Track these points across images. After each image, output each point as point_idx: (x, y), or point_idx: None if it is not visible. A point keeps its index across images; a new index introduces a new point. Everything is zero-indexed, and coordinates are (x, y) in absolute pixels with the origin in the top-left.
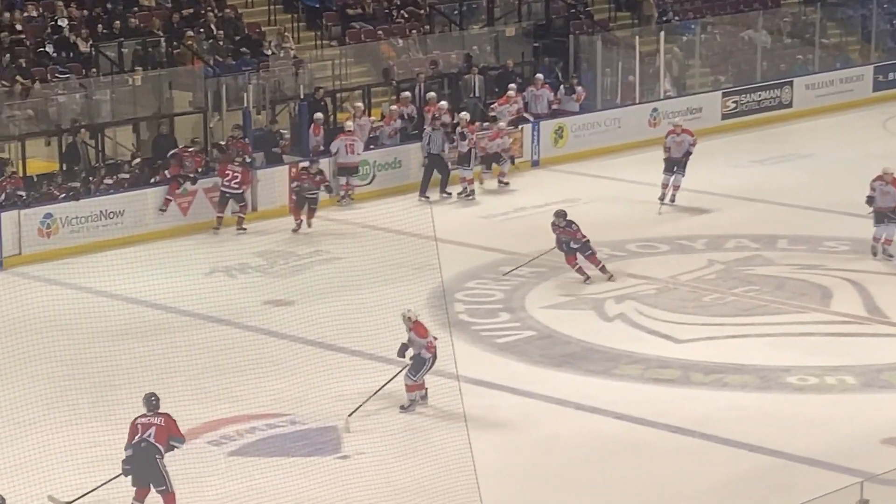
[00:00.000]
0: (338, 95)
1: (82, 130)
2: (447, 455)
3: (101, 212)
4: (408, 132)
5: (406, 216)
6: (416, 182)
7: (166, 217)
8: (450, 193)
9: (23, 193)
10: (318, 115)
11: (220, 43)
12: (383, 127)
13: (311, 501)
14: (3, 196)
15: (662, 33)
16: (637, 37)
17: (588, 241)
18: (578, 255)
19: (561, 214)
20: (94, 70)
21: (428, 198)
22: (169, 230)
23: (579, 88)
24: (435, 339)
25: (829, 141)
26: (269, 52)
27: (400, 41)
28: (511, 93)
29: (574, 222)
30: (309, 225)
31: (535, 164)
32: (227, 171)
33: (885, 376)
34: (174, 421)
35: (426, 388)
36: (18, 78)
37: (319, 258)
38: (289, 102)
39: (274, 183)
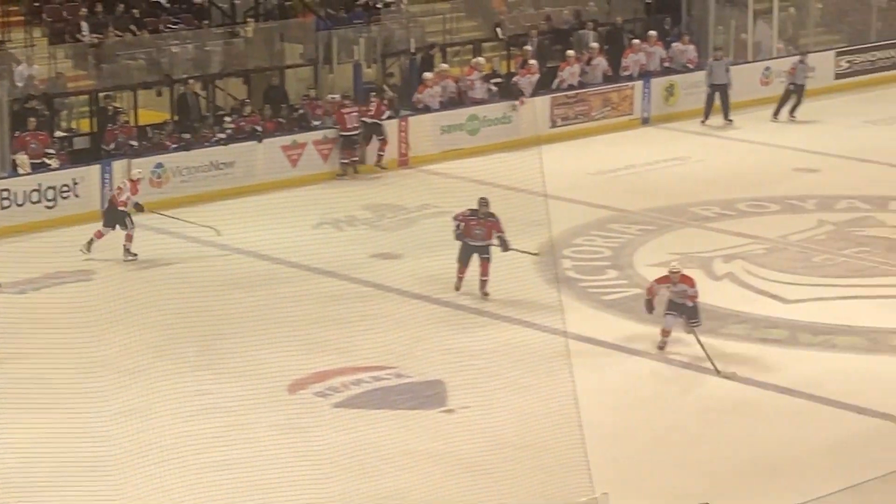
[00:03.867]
0: (447, 50)
1: (191, 81)
2: (553, 411)
3: (210, 162)
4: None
5: (516, 171)
6: (524, 137)
7: (275, 169)
8: (731, 120)
9: (134, 143)
10: (427, 73)
11: None
12: (520, 78)
13: (415, 454)
14: (113, 145)
15: None
16: None
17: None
18: (477, 257)
19: (484, 203)
20: (206, 21)
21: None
22: (278, 182)
23: (691, 47)
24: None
25: None
26: (381, 5)
27: None
28: (532, 62)
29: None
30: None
31: (646, 121)
32: (343, 117)
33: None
34: None
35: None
36: (132, 27)
37: (427, 212)
38: (399, 56)
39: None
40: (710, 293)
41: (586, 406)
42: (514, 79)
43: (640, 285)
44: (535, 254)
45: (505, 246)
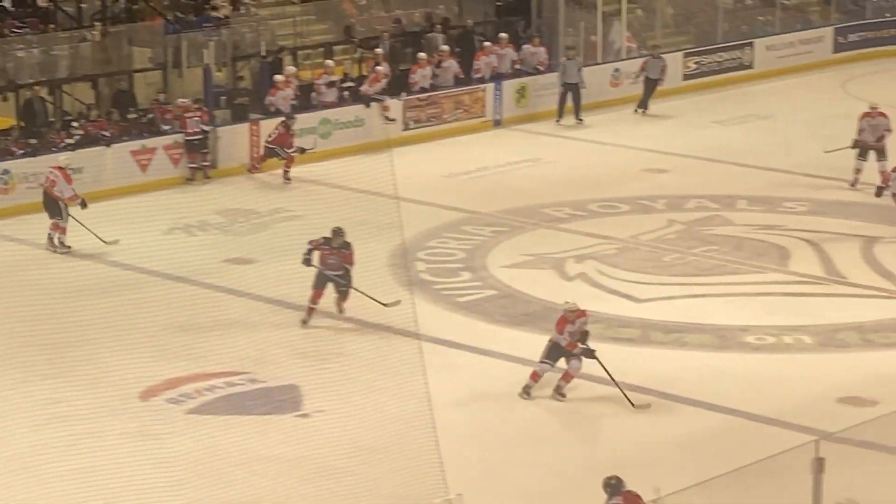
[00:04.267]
0: (298, 53)
1: (37, 87)
2: (408, 414)
3: None
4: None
5: (367, 175)
6: (376, 140)
7: (125, 174)
8: (582, 120)
9: None
10: (278, 76)
11: None
12: (368, 87)
13: (270, 459)
14: None
15: None
16: None
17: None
18: (334, 287)
19: (338, 233)
20: (52, 25)
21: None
22: (128, 187)
23: (542, 49)
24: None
25: (788, 102)
26: (230, 9)
27: None
28: (380, 68)
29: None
30: (340, 311)
31: (498, 123)
32: (185, 121)
33: (841, 336)
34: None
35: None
36: None
37: (280, 217)
38: (250, 59)
39: (235, 140)
40: (562, 293)
41: (441, 407)
42: (363, 88)
43: (494, 287)
44: (388, 304)
45: (348, 281)
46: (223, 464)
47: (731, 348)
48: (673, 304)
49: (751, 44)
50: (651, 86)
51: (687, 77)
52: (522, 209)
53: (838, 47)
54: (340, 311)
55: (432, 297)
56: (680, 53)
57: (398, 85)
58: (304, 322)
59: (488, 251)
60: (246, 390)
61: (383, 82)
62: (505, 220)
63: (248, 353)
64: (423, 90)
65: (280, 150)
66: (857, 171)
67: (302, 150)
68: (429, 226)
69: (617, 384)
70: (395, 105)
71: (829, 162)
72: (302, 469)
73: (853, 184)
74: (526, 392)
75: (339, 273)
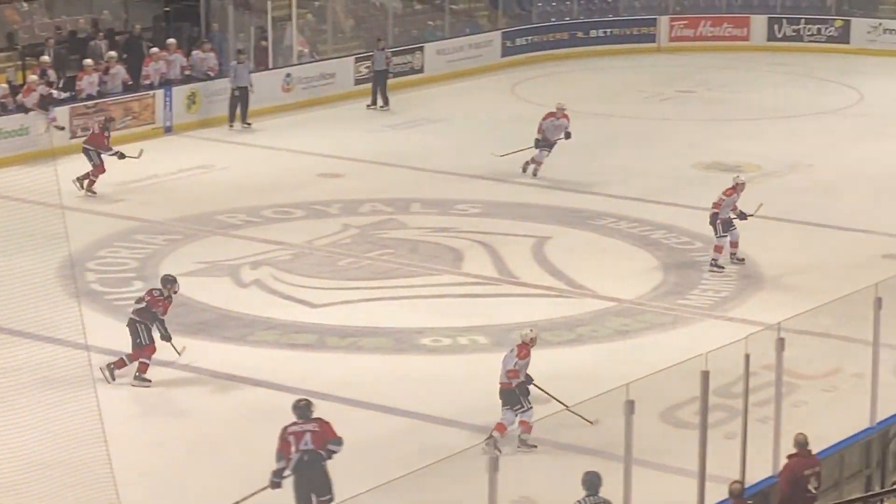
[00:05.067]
0: None
1: None
2: (80, 428)
3: None
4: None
5: (32, 185)
6: (41, 149)
7: None
8: (250, 124)
9: None
10: None
11: None
12: (23, 98)
13: None
14: None
15: None
16: (269, 1)
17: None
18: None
19: (172, 280)
20: None
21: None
22: None
23: (212, 55)
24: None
25: (460, 106)
26: None
27: (25, 5)
28: (34, 78)
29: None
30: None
31: (169, 129)
32: None
33: (515, 335)
34: (328, 423)
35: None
36: None
37: None
38: None
39: None
40: (237, 300)
41: (114, 421)
42: (18, 97)
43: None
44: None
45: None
46: None
47: (408, 351)
48: (349, 309)
49: (421, 48)
50: (379, 78)
51: (359, 82)
52: (196, 216)
53: (506, 51)
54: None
55: (103, 308)
56: (351, 59)
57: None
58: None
59: (161, 260)
60: None
61: (41, 91)
62: (178, 227)
63: None
64: (91, 97)
65: (94, 154)
66: (536, 161)
67: (121, 156)
68: (99, 235)
69: (567, 407)
70: (61, 113)
71: (501, 164)
72: None
73: (525, 169)
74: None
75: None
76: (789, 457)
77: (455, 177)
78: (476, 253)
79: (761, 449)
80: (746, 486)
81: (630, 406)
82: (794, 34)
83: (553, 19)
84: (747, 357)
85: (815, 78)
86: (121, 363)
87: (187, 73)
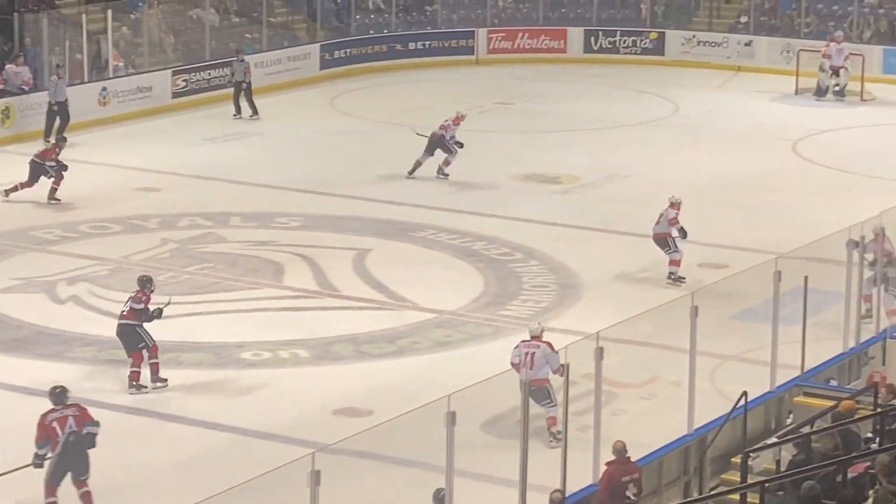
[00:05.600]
0: None
1: None
2: None
3: None
4: None
5: None
6: None
7: None
8: (66, 138)
9: None
10: None
11: None
12: None
13: None
14: None
15: (110, 11)
16: (84, 15)
17: None
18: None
19: (149, 280)
20: None
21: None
22: None
23: (26, 68)
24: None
25: (278, 118)
26: None
27: None
28: None
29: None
30: None
31: None
32: None
33: (336, 348)
34: (85, 408)
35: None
36: None
37: None
38: None
39: None
40: (54, 317)
41: None
42: None
43: None
44: None
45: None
46: None
47: (228, 365)
48: (168, 324)
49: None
50: (239, 89)
51: (176, 95)
52: (11, 232)
53: (325, 64)
54: None
55: None
56: (168, 71)
57: None
58: None
59: None
60: None
61: None
62: None
63: None
64: None
65: (48, 167)
66: (420, 163)
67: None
68: None
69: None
70: None
71: (320, 177)
72: None
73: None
74: None
75: None
76: (608, 464)
77: (275, 190)
78: (297, 266)
79: (582, 457)
80: (567, 494)
81: (451, 417)
82: (610, 46)
83: (371, 32)
84: (566, 366)
85: (631, 90)
86: (136, 375)
87: (1, 87)
